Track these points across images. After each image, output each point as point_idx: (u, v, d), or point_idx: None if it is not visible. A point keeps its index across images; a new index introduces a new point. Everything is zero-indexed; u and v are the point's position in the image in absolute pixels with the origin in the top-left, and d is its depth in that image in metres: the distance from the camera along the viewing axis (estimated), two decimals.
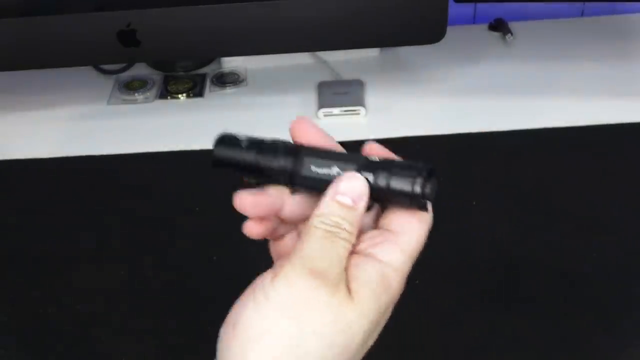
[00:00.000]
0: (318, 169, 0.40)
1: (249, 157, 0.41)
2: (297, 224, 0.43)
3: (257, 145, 0.42)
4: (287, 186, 0.42)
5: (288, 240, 0.44)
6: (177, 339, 0.65)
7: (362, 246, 0.40)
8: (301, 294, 0.36)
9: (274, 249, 0.44)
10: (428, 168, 0.39)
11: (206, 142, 0.87)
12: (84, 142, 0.90)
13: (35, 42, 0.84)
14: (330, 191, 0.39)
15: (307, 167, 0.40)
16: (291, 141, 0.43)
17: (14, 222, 0.79)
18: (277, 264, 0.38)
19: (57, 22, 0.83)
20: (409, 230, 0.40)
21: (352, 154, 0.41)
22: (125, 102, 0.97)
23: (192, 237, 0.76)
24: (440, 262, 0.68)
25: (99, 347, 0.65)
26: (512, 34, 1.04)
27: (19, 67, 0.91)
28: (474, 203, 0.76)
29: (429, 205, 0.40)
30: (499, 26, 1.07)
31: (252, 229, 0.41)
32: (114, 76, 1.01)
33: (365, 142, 0.42)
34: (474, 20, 1.14)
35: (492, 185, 0.80)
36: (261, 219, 0.41)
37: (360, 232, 0.40)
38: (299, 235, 0.43)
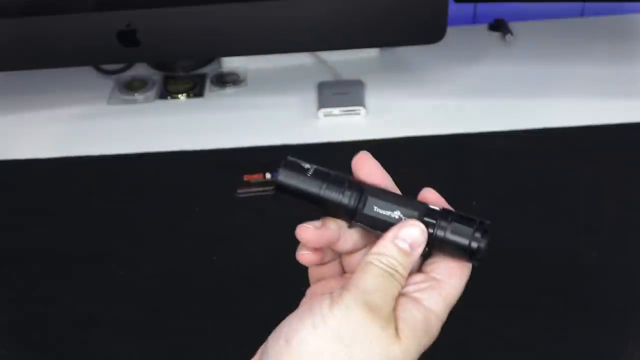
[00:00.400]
0: (381, 210, 0.42)
1: (314, 187, 0.42)
2: (343, 254, 0.45)
3: (323, 176, 0.42)
4: (346, 220, 0.43)
5: (329, 267, 0.46)
6: (177, 339, 0.65)
7: (408, 289, 0.42)
8: (357, 324, 0.39)
9: (314, 273, 0.46)
10: (485, 224, 0.42)
11: (206, 142, 0.88)
12: (84, 142, 0.90)
13: (35, 42, 0.84)
14: (391, 234, 0.42)
15: (370, 206, 0.42)
16: (345, 172, 0.44)
17: (14, 222, 0.79)
18: (334, 292, 0.40)
19: (57, 22, 0.83)
20: (452, 281, 0.43)
21: (413, 200, 0.43)
22: (125, 102, 0.97)
23: (192, 237, 0.76)
24: None
25: (99, 347, 0.65)
26: (512, 34, 1.04)
27: (19, 67, 0.91)
28: (474, 203, 0.76)
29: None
30: (499, 26, 1.06)
31: (307, 258, 0.44)
32: (114, 76, 1.01)
33: (423, 188, 0.44)
34: (474, 20, 1.14)
35: (492, 185, 0.80)
36: (316, 249, 0.44)
37: (409, 274, 0.42)
38: (342, 265, 0.46)
